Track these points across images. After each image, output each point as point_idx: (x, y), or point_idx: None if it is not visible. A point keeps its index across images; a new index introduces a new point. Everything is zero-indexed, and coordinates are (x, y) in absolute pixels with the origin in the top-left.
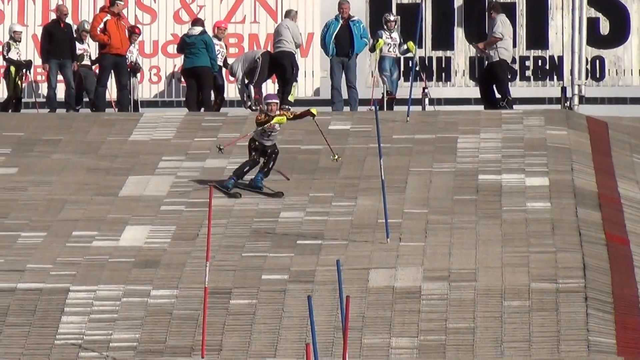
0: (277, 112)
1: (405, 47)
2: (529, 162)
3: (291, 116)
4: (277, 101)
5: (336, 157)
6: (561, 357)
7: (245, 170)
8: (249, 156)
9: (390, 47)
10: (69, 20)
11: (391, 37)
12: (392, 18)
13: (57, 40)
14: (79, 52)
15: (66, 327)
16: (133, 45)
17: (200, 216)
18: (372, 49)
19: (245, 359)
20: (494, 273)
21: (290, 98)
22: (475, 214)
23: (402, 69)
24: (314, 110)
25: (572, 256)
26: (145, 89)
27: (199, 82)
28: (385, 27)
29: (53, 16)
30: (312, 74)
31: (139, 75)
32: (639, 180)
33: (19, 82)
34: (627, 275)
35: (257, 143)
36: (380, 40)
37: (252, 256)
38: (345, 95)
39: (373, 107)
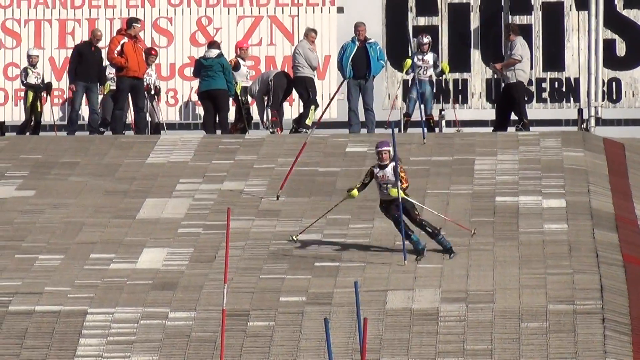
0: (388, 163)
1: (440, 68)
2: (546, 184)
3: (404, 186)
4: (389, 148)
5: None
6: None
7: (399, 229)
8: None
9: (422, 70)
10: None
11: (423, 60)
12: (425, 40)
13: (87, 62)
14: (109, 75)
15: (84, 350)
16: (151, 67)
17: (217, 238)
18: (402, 70)
19: None
20: (511, 294)
21: (308, 121)
22: (492, 235)
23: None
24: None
25: (589, 278)
26: (162, 111)
27: (215, 105)
28: (418, 49)
29: (78, 38)
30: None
31: (157, 97)
32: None
33: (38, 105)
34: None
35: (381, 202)
36: (407, 60)
37: (270, 278)
38: (362, 117)
39: (389, 127)
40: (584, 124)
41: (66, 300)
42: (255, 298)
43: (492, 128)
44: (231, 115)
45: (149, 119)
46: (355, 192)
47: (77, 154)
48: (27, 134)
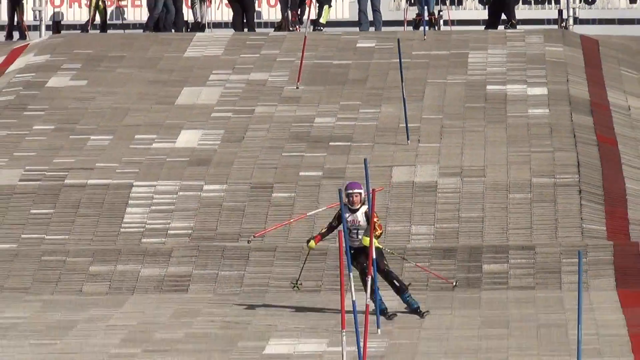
0: (359, 207)
1: None
2: (530, 75)
3: (378, 233)
4: (360, 191)
5: (297, 285)
6: (558, 242)
7: (365, 281)
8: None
9: None
10: None
11: None
12: None
13: None
14: None
15: (130, 217)
16: None
17: (245, 121)
18: None
19: (285, 244)
20: (500, 170)
21: (322, 20)
22: (483, 119)
23: None
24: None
25: (567, 155)
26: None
27: (243, 6)
28: None
29: None
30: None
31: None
32: (625, 89)
33: (101, 5)
34: (616, 172)
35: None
36: None
37: (291, 156)
38: (370, 17)
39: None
40: (564, 23)
41: (114, 174)
42: (278, 173)
43: (484, 26)
44: None
45: (197, 19)
46: (312, 243)
47: (124, 49)
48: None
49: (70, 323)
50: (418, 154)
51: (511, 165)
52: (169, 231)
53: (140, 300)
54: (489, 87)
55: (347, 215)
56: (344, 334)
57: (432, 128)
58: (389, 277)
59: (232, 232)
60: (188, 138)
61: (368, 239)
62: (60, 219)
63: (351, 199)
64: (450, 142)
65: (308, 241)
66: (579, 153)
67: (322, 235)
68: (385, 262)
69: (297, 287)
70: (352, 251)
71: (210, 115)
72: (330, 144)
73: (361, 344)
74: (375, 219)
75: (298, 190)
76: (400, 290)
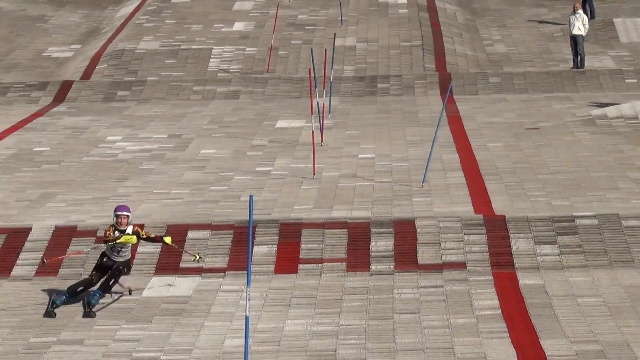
0: (127, 227)
1: None
2: None
3: (144, 236)
4: (128, 214)
5: (198, 257)
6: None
7: (79, 289)
8: (90, 273)
9: None
10: None
11: None
12: None
13: None
14: None
15: None
16: None
17: None
18: None
19: None
20: None
21: None
22: None
23: None
24: (167, 239)
25: None
26: None
27: None
28: None
29: None
30: None
31: None
32: None
33: None
34: None
35: (105, 259)
36: None
37: None
38: None
39: None
40: None
41: None
42: None
43: None
44: None
45: None
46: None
47: None
48: None
49: None
50: None
51: None
52: None
53: None
54: None
55: (117, 234)
56: None
57: None
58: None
59: None
60: None
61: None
62: None
63: (120, 220)
64: None
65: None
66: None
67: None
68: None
69: (44, 262)
70: (102, 265)
71: None
72: None
73: None
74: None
75: None
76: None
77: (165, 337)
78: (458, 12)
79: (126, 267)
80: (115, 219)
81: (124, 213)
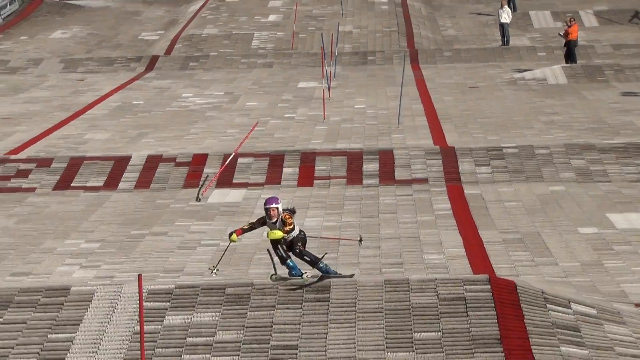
0: (276, 219)
1: None
2: None
3: (288, 229)
4: (277, 206)
5: (214, 270)
6: None
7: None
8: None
9: None
10: None
11: None
12: None
13: None
14: None
15: None
16: None
17: None
18: None
19: None
20: None
21: None
22: None
23: None
24: (276, 233)
25: None
26: None
27: None
28: None
29: None
30: None
31: None
32: None
33: None
34: None
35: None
36: None
37: None
38: None
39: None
40: None
41: None
42: None
43: None
44: None
45: None
46: (234, 237)
47: None
48: None
49: None
50: None
51: None
52: None
53: None
54: None
55: (268, 222)
56: None
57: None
58: (300, 256)
59: None
60: None
61: (273, 232)
62: None
63: (269, 213)
64: None
65: (230, 234)
66: None
67: (243, 230)
68: (299, 245)
69: (215, 272)
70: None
71: None
72: None
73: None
74: (288, 218)
75: None
76: (312, 264)
77: (223, 231)
78: (422, 7)
79: (300, 241)
80: (264, 212)
81: (273, 205)
